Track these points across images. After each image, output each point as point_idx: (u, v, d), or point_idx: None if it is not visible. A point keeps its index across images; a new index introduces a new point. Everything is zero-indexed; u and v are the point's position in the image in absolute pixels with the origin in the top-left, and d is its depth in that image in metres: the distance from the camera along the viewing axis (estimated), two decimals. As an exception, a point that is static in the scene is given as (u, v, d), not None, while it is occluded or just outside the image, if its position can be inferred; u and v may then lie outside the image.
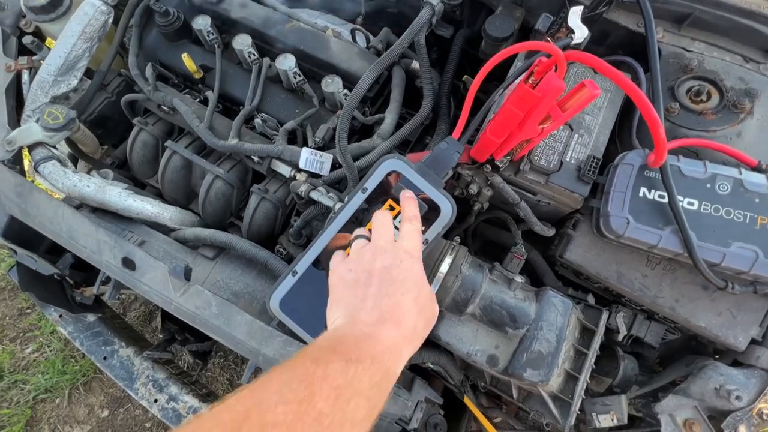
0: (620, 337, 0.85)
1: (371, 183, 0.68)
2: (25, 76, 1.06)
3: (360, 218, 0.69)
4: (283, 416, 0.32)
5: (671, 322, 0.82)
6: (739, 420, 0.71)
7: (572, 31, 0.70)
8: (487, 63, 0.70)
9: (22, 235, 1.00)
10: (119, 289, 0.89)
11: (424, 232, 0.67)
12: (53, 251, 1.07)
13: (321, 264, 0.69)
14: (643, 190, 0.71)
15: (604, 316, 0.80)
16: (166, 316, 1.03)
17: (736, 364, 0.78)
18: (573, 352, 0.78)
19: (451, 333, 0.79)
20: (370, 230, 0.59)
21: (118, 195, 0.94)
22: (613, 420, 0.78)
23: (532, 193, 0.81)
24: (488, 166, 0.79)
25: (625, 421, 0.78)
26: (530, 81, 0.63)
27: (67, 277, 1.15)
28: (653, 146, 0.67)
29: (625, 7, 0.88)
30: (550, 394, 0.76)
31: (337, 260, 0.58)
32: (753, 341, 0.75)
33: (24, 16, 1.13)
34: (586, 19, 0.87)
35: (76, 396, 1.71)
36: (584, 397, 0.79)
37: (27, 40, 1.07)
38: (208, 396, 1.15)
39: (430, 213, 0.68)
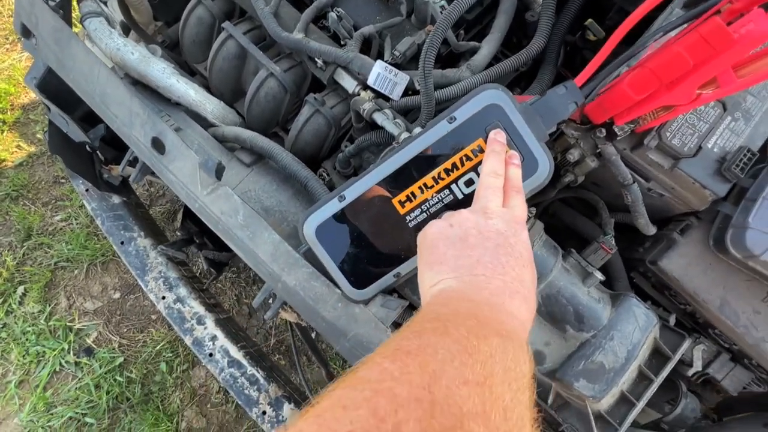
0: (690, 372, 0.71)
1: (462, 113, 0.54)
2: None
3: (433, 159, 0.55)
4: (471, 403, 0.25)
5: (766, 372, 0.67)
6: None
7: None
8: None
9: (59, 92, 0.92)
10: (145, 173, 0.81)
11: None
12: (88, 120, 1.00)
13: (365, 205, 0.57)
14: (808, 206, 0.54)
15: (686, 344, 0.66)
16: (188, 215, 0.96)
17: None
18: (636, 374, 0.65)
19: (498, 315, 0.67)
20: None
21: (161, 71, 0.84)
22: (656, 460, 0.67)
23: (645, 178, 0.65)
24: (603, 130, 0.62)
25: (672, 466, 0.67)
26: (725, 17, 0.45)
27: (97, 151, 1.09)
28: None
29: None
30: (595, 413, 0.65)
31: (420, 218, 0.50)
32: None
33: None
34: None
35: (93, 272, 1.75)
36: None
37: None
38: (215, 307, 1.11)
39: (523, 168, 0.53)
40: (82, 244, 1.76)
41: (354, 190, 0.57)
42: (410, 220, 0.56)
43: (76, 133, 0.92)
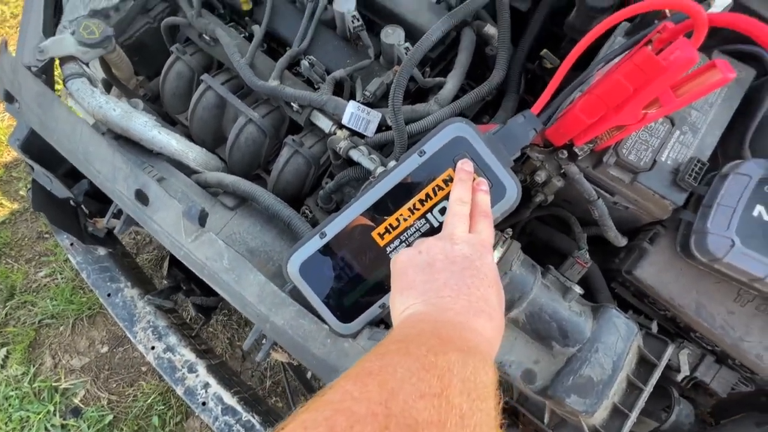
0: (680, 377, 0.72)
1: (431, 146, 0.57)
2: (68, -16, 0.99)
3: (408, 190, 0.58)
4: (427, 413, 0.27)
5: (749, 371, 0.69)
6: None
7: (712, -4, 0.56)
8: (596, 27, 0.57)
9: (42, 152, 0.94)
10: (130, 224, 0.82)
11: (480, 214, 0.57)
12: (71, 176, 1.01)
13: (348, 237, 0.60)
14: (759, 209, 0.58)
15: (670, 349, 0.68)
16: (174, 263, 0.96)
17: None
18: (626, 384, 0.66)
19: (486, 337, 0.69)
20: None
21: (143, 124, 0.87)
22: (656, 471, 0.67)
23: (609, 193, 0.68)
24: (564, 152, 0.66)
25: (672, 475, 0.66)
26: (654, 48, 0.50)
27: (81, 206, 1.10)
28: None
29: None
30: (590, 427, 0.65)
31: (400, 249, 0.52)
32: None
33: None
34: None
35: (79, 327, 1.71)
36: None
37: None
38: (206, 353, 1.10)
39: (492, 193, 0.57)
40: (67, 299, 1.73)
41: (334, 226, 0.59)
42: (390, 251, 0.58)
43: (60, 190, 0.93)
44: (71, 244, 1.19)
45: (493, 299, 0.42)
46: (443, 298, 0.40)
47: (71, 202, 1.09)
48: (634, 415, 0.64)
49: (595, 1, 0.78)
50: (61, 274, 1.81)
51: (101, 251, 1.19)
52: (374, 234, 0.59)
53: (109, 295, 1.14)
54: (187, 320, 1.49)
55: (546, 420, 0.70)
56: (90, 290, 1.77)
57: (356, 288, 0.60)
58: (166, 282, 0.91)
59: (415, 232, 0.58)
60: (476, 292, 0.41)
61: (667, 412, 0.74)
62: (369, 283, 0.60)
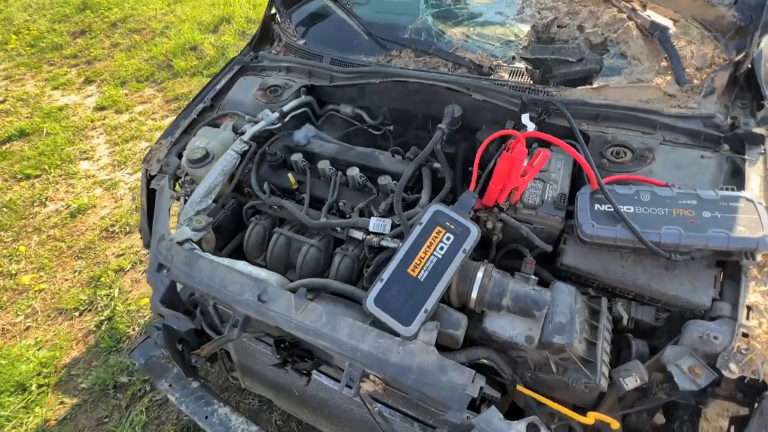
0: (624, 322, 1.11)
1: (425, 218, 1.11)
2: (181, 201, 1.61)
3: (419, 243, 1.09)
4: None
5: (657, 302, 1.10)
6: (727, 359, 0.93)
7: (525, 126, 1.22)
8: (480, 147, 1.20)
9: (171, 302, 1.38)
10: (245, 327, 1.22)
11: (462, 244, 1.07)
12: (186, 315, 1.42)
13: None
14: (596, 206, 1.12)
15: (604, 300, 1.10)
16: (278, 345, 1.30)
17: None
18: (588, 326, 1.05)
19: (495, 324, 1.08)
20: None
21: (243, 264, 1.36)
22: (636, 381, 0.99)
23: (529, 223, 1.21)
24: (496, 208, 1.21)
25: (647, 380, 0.98)
26: (509, 151, 1.12)
27: (186, 348, 1.46)
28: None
29: (561, 114, 1.44)
30: (579, 358, 1.00)
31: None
32: (714, 300, 1.02)
33: (179, 168, 1.76)
34: (539, 123, 1.42)
35: (146, 499, 1.75)
36: (611, 368, 1.02)
37: (182, 179, 1.67)
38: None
39: (464, 234, 1.08)
40: (134, 470, 1.81)
41: (387, 273, 1.05)
42: (420, 277, 1.04)
43: (184, 323, 1.33)
44: (169, 386, 1.50)
45: None
46: None
47: (178, 346, 1.46)
48: (600, 343, 1.01)
49: (484, 138, 1.47)
50: (122, 451, 1.93)
51: (195, 384, 1.50)
52: (408, 271, 1.06)
53: (206, 417, 1.41)
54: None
55: (554, 370, 1.04)
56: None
57: (407, 303, 1.03)
58: (277, 358, 1.23)
59: (429, 263, 1.06)
60: None
61: (630, 351, 1.09)
62: (415, 297, 1.03)
